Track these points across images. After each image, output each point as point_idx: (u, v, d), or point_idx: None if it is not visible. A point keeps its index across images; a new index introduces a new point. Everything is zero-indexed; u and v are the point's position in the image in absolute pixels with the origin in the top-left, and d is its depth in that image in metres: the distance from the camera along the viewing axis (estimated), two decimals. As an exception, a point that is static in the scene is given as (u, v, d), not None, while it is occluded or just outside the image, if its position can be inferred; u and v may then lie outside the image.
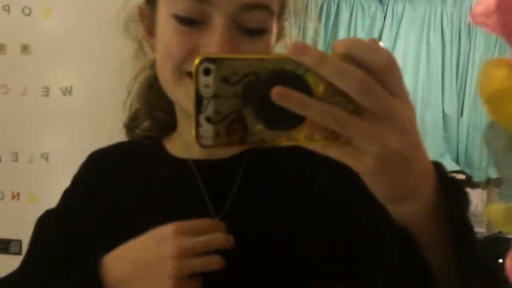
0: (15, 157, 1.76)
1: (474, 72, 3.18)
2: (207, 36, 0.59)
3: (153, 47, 0.69)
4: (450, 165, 3.20)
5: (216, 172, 0.70)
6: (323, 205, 0.65)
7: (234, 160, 0.69)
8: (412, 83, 3.19)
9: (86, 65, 1.83)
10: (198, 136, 0.39)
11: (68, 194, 0.79)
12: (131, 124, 0.80)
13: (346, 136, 0.40)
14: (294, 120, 0.39)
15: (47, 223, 0.77)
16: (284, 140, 0.40)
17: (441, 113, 3.25)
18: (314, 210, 0.65)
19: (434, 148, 3.25)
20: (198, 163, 0.70)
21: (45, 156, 1.76)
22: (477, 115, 3.17)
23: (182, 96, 0.63)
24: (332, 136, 0.40)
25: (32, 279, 0.71)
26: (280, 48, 0.70)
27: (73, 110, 1.80)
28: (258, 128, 0.39)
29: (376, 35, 3.15)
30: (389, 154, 0.40)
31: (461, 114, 3.22)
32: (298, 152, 0.44)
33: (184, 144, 0.72)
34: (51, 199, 1.79)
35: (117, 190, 0.74)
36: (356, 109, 0.39)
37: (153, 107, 0.76)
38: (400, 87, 0.41)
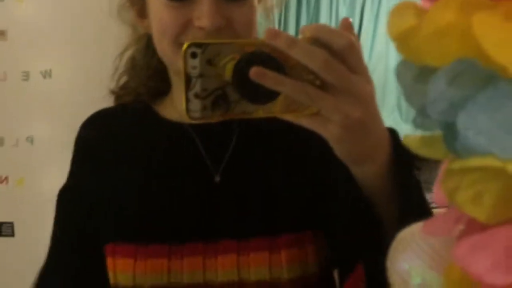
0: (1, 141, 1.79)
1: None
2: (197, 8, 0.66)
3: (147, 28, 0.75)
4: None
5: (212, 133, 0.77)
6: (304, 163, 0.75)
7: (227, 123, 0.76)
8: (399, 55, 3.22)
9: (64, 48, 1.84)
10: (188, 110, 0.46)
11: (73, 168, 0.82)
12: (120, 92, 0.84)
13: (315, 107, 0.47)
14: (270, 95, 0.46)
15: (64, 199, 0.81)
16: (262, 112, 0.47)
17: None
18: (297, 164, 0.75)
19: None
20: (194, 126, 0.76)
21: (30, 140, 1.79)
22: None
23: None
24: (303, 108, 0.47)
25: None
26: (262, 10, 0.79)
27: (54, 92, 1.83)
28: (239, 103, 0.46)
29: (358, 6, 3.16)
30: (351, 122, 0.47)
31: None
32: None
33: (178, 109, 0.78)
34: (39, 181, 1.85)
35: (119, 155, 0.78)
36: (323, 85, 0.46)
37: (143, 77, 0.82)
38: (360, 66, 0.48)
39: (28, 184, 1.75)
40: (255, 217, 0.73)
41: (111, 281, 0.75)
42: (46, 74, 1.82)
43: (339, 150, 0.51)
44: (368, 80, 0.49)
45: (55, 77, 1.83)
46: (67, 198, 0.81)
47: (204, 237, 0.72)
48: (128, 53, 0.84)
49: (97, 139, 0.81)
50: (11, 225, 1.72)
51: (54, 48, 1.83)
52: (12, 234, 1.70)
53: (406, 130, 3.37)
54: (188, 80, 0.45)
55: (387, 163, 0.54)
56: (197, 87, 0.45)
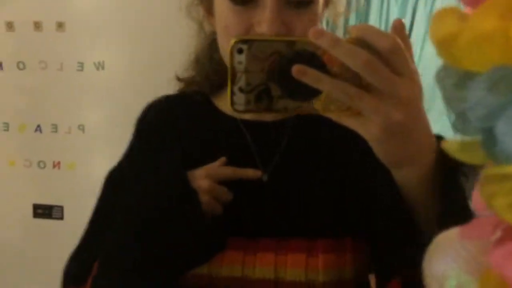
0: (55, 128, 1.87)
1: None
2: (259, 14, 0.67)
3: (213, 25, 0.78)
4: None
5: (263, 132, 0.78)
6: (348, 168, 0.75)
7: (279, 124, 0.78)
8: None
9: (117, 41, 1.91)
10: (232, 102, 0.48)
11: (133, 148, 0.84)
12: (187, 78, 0.87)
13: (356, 108, 0.47)
14: (311, 93, 0.47)
15: (116, 177, 0.83)
16: (303, 109, 0.48)
17: None
18: (346, 172, 0.75)
19: None
20: (247, 122, 0.78)
21: (82, 128, 1.87)
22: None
23: None
24: (344, 107, 0.48)
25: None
26: (329, 16, 0.79)
27: (105, 83, 1.90)
28: (282, 98, 0.48)
29: (410, 6, 3.09)
30: (392, 125, 0.47)
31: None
32: (333, 122, 0.52)
33: None
34: (89, 167, 1.92)
35: (175, 140, 0.80)
36: (365, 85, 0.47)
37: (207, 71, 0.84)
38: (405, 67, 0.48)
39: (79, 169, 1.83)
40: (296, 219, 0.74)
41: None
42: (99, 66, 1.89)
43: (378, 151, 0.51)
44: (413, 83, 0.48)
45: (107, 68, 1.90)
46: (119, 176, 0.82)
47: (246, 233, 0.74)
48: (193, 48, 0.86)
49: (158, 123, 0.83)
50: (61, 208, 1.80)
51: (108, 41, 1.90)
52: (61, 217, 1.78)
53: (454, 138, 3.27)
54: (233, 74, 0.47)
55: (430, 168, 0.53)
56: (242, 82, 0.47)
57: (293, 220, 0.74)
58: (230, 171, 0.73)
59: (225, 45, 0.71)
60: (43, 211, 1.79)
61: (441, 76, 0.30)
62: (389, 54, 0.47)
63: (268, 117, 0.78)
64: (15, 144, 1.90)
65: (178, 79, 0.88)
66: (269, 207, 0.75)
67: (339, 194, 0.74)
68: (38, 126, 1.87)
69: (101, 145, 1.78)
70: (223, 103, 0.81)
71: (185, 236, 0.70)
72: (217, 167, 0.73)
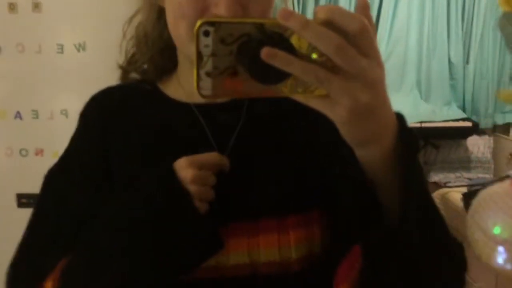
0: (36, 114, 1.79)
1: (480, 19, 3.14)
2: None
3: (162, 1, 0.75)
4: (456, 113, 3.23)
5: (218, 116, 0.77)
6: (310, 144, 0.75)
7: (234, 105, 0.77)
8: (418, 30, 3.17)
9: (97, 20, 1.83)
10: (199, 87, 0.46)
11: (76, 141, 0.82)
12: (128, 67, 0.84)
13: (324, 90, 0.47)
14: (280, 76, 0.46)
15: (59, 177, 0.80)
16: (272, 92, 0.47)
17: (447, 61, 3.24)
18: (303, 146, 0.76)
19: (441, 96, 3.27)
20: (200, 107, 0.76)
21: (65, 113, 1.80)
22: (483, 62, 3.17)
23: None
24: (312, 90, 0.47)
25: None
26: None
27: (88, 65, 1.82)
28: (250, 82, 0.46)
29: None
30: (358, 107, 0.48)
31: (467, 62, 3.22)
32: (289, 99, 0.52)
33: (184, 89, 0.78)
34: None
35: (123, 133, 0.77)
36: (333, 67, 0.46)
37: (152, 51, 0.81)
38: (372, 50, 0.48)
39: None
40: (263, 199, 0.73)
41: None
42: (80, 47, 1.81)
43: (345, 132, 0.52)
44: (379, 64, 0.49)
45: (88, 50, 1.82)
46: (63, 176, 0.80)
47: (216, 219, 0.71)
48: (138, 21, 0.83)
49: (103, 116, 0.80)
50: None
51: (88, 20, 1.82)
52: (48, 206, 1.72)
53: (425, 109, 3.33)
54: (199, 58, 0.45)
55: (392, 147, 0.55)
56: (208, 65, 0.45)
57: (258, 201, 0.73)
58: (215, 157, 0.71)
59: (179, 30, 0.70)
60: (27, 200, 1.72)
61: (503, 24, 0.28)
62: (357, 36, 0.46)
63: (221, 99, 0.74)
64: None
65: (121, 67, 0.85)
66: (232, 191, 0.73)
67: (299, 170, 0.75)
68: (18, 112, 1.79)
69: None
70: (172, 90, 0.80)
71: (183, 237, 0.67)
72: (199, 155, 0.70)
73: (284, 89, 0.47)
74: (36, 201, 0.81)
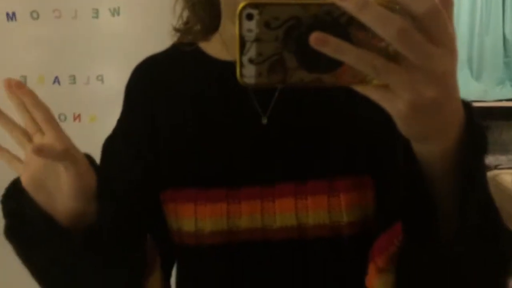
0: (73, 79, 1.82)
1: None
2: None
3: None
4: (510, 92, 3.05)
5: None
6: (358, 113, 0.70)
7: None
8: (470, 7, 2.97)
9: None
10: (241, 75, 0.42)
11: (124, 114, 0.83)
12: (183, 28, 0.83)
13: (382, 81, 0.42)
14: (332, 64, 0.41)
15: (112, 149, 0.81)
16: (322, 81, 0.42)
17: (502, 38, 3.04)
18: (350, 114, 0.72)
19: (493, 74, 3.09)
20: None
21: (100, 78, 1.81)
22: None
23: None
24: (369, 80, 0.42)
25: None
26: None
27: (122, 30, 1.82)
28: (298, 70, 0.42)
29: None
30: (422, 102, 0.42)
31: (523, 38, 3.01)
32: None
33: (227, 47, 0.76)
34: (110, 118, 1.85)
35: (169, 103, 0.78)
36: (395, 55, 0.40)
37: (197, 6, 0.80)
38: (444, 35, 0.41)
39: (100, 122, 1.79)
40: (309, 159, 0.70)
41: (174, 226, 0.75)
42: (115, 12, 1.81)
43: (402, 127, 0.46)
44: (452, 53, 0.42)
45: (123, 14, 1.82)
46: (117, 145, 0.80)
47: (260, 180, 0.70)
48: None
49: (148, 86, 0.80)
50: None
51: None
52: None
53: (476, 88, 3.15)
54: (242, 44, 0.41)
55: (455, 144, 0.49)
56: (252, 52, 0.41)
57: (305, 161, 0.71)
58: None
59: None
60: (67, 165, 1.77)
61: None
62: (426, 20, 0.40)
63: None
64: (34, 97, 1.86)
65: (177, 30, 0.83)
66: (276, 151, 0.71)
67: (347, 134, 0.71)
68: (56, 78, 1.82)
69: (121, 96, 1.73)
70: (215, 48, 0.78)
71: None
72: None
73: (337, 79, 0.42)
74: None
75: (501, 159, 3.32)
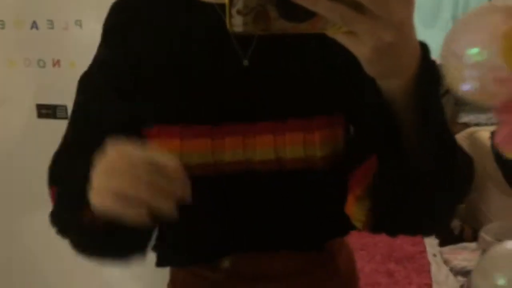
0: (51, 24, 1.78)
1: None
2: None
3: None
4: None
5: None
6: (331, 55, 0.77)
7: None
8: None
9: None
10: (231, 24, 0.49)
11: (102, 49, 0.84)
12: None
13: (349, 29, 0.48)
14: (307, 15, 0.48)
15: (89, 83, 0.84)
16: (299, 29, 0.49)
17: None
18: (325, 56, 0.78)
19: None
20: (222, 7, 0.76)
21: (79, 23, 1.78)
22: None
23: None
24: (338, 27, 0.49)
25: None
26: None
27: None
28: (278, 20, 0.49)
29: None
30: (382, 46, 0.49)
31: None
32: None
33: None
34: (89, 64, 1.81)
35: (147, 41, 0.79)
36: (360, 6, 0.47)
37: None
38: None
39: (80, 67, 1.76)
40: (288, 99, 0.77)
41: None
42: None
43: (367, 67, 0.53)
44: (407, 3, 0.48)
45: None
46: (96, 79, 0.82)
47: (242, 118, 0.77)
48: None
49: (127, 20, 0.81)
50: (64, 108, 1.77)
51: None
52: (66, 117, 1.76)
53: None
54: None
55: (413, 78, 0.56)
56: (239, 4, 0.48)
57: (284, 101, 0.77)
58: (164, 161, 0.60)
59: None
60: (47, 111, 1.76)
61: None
62: None
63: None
64: (13, 42, 1.82)
65: None
66: (257, 91, 0.77)
67: (323, 75, 0.78)
68: (34, 22, 1.78)
69: (100, 42, 1.70)
70: None
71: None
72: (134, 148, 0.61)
73: (312, 27, 0.49)
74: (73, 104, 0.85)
75: (481, 117, 3.38)
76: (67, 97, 1.80)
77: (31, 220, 1.83)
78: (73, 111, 0.85)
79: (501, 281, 1.72)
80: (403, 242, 2.71)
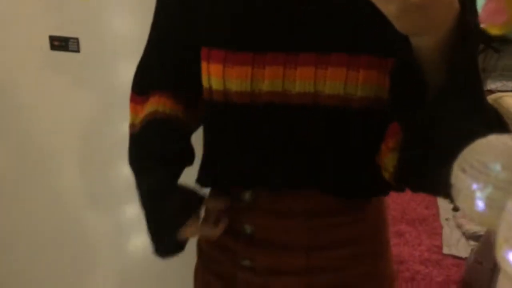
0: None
1: None
2: None
3: None
4: None
5: None
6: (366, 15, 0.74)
7: None
8: None
9: None
10: None
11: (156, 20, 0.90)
12: None
13: None
14: None
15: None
16: None
17: None
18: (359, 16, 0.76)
19: None
20: None
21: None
22: None
23: None
24: None
25: None
26: None
27: None
28: None
29: None
30: (408, 6, 0.52)
31: None
32: None
33: None
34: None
35: (206, 4, 0.82)
36: None
37: None
38: None
39: (93, 1, 1.72)
40: (334, 32, 0.75)
41: (205, 84, 0.82)
42: None
43: (396, 24, 0.55)
44: None
45: None
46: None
47: (285, 48, 0.76)
48: None
49: None
50: (76, 40, 1.73)
51: None
52: (77, 50, 1.73)
53: None
54: None
55: (449, 33, 0.57)
56: None
57: (331, 34, 0.75)
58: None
59: None
60: (60, 43, 1.72)
61: None
62: None
63: None
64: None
65: None
66: (300, 21, 0.75)
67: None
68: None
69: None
70: None
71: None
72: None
73: None
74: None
75: (508, 85, 3.27)
76: (80, 30, 1.76)
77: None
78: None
79: None
80: (417, 205, 2.68)
